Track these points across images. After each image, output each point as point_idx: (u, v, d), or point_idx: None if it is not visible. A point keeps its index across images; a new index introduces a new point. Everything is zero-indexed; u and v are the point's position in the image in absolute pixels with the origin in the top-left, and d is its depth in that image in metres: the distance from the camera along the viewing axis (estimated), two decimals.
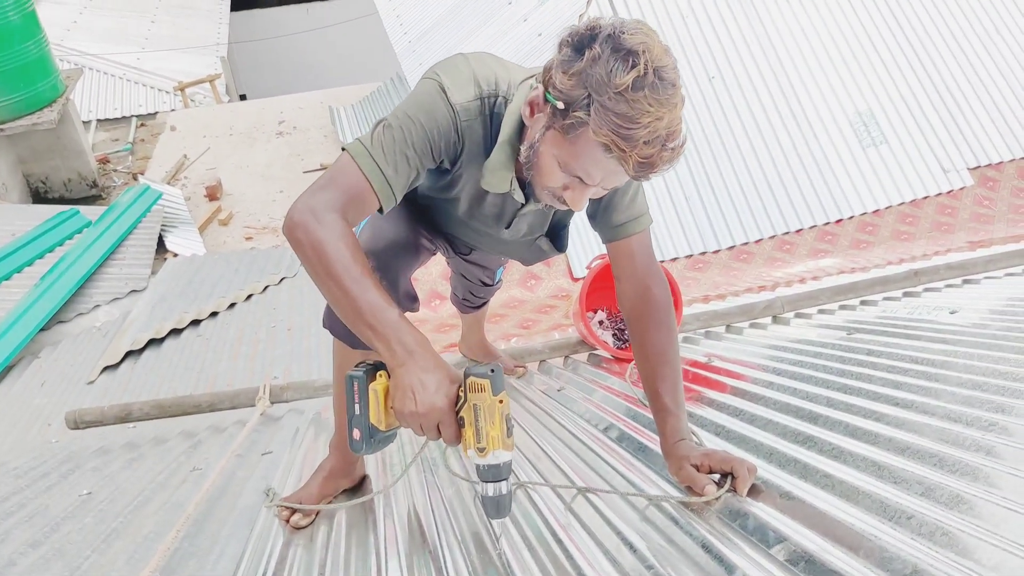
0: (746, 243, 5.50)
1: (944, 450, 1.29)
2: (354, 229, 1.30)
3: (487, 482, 1.21)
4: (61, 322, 5.42)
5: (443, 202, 1.63)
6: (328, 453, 1.76)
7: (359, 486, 1.79)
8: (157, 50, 13.05)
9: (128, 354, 4.56)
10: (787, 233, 5.53)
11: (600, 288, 2.75)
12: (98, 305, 5.62)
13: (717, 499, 1.31)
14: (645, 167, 1.19)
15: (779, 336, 2.54)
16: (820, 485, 1.28)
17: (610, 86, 1.14)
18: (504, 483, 1.21)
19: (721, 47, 6.34)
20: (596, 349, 2.73)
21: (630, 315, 1.57)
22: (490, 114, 1.38)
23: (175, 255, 6.73)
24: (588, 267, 2.74)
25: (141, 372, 4.36)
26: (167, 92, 11.72)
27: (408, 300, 1.64)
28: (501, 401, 1.17)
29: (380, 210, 1.35)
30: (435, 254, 1.87)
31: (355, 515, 1.65)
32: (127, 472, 2.30)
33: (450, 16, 9.44)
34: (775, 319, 2.81)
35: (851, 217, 5.67)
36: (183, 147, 10.20)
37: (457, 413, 1.19)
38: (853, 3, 6.58)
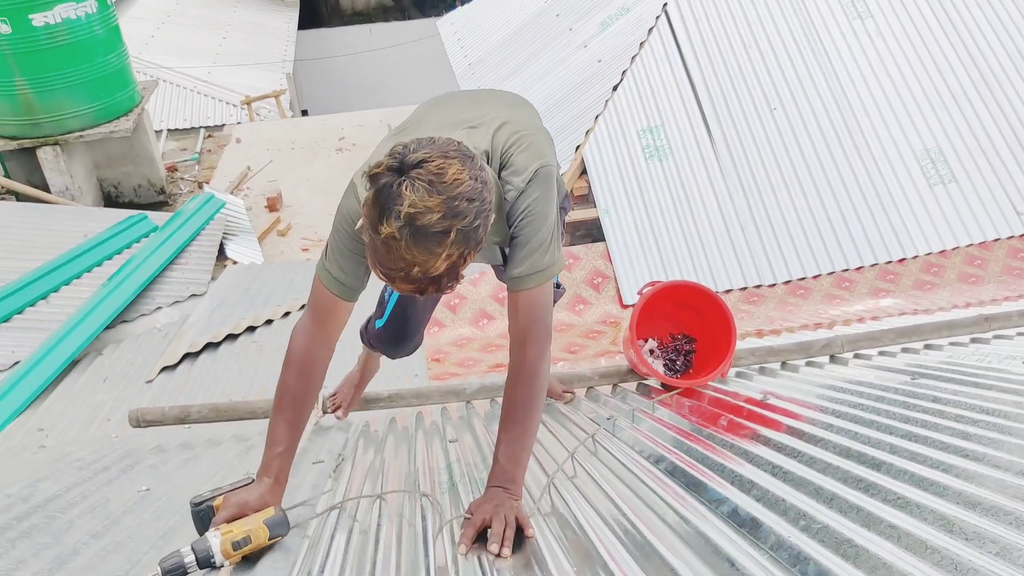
0: (803, 278, 5.41)
1: (1021, 508, 1.24)
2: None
3: (196, 534, 1.51)
4: (125, 321, 5.58)
5: None
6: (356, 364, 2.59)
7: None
8: (227, 65, 13.45)
9: (186, 356, 4.68)
10: (847, 270, 5.42)
11: (650, 317, 2.71)
12: (160, 307, 5.78)
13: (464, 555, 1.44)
14: (409, 291, 1.35)
15: (837, 376, 2.48)
16: (885, 535, 1.24)
17: (374, 232, 1.28)
18: (189, 554, 1.42)
19: (784, 78, 6.28)
20: (646, 379, 2.70)
21: (510, 358, 1.66)
22: None
23: (234, 263, 6.88)
24: (639, 293, 2.71)
25: (197, 374, 4.46)
26: (234, 106, 12.06)
27: (417, 344, 2.40)
28: (261, 539, 1.47)
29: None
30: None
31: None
32: (183, 472, 2.35)
33: (510, 41, 9.56)
34: (833, 359, 2.75)
35: (915, 257, 5.53)
36: (247, 159, 10.46)
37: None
38: (924, 37, 6.47)
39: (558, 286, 2.41)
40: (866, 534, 1.26)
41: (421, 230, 1.25)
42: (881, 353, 2.76)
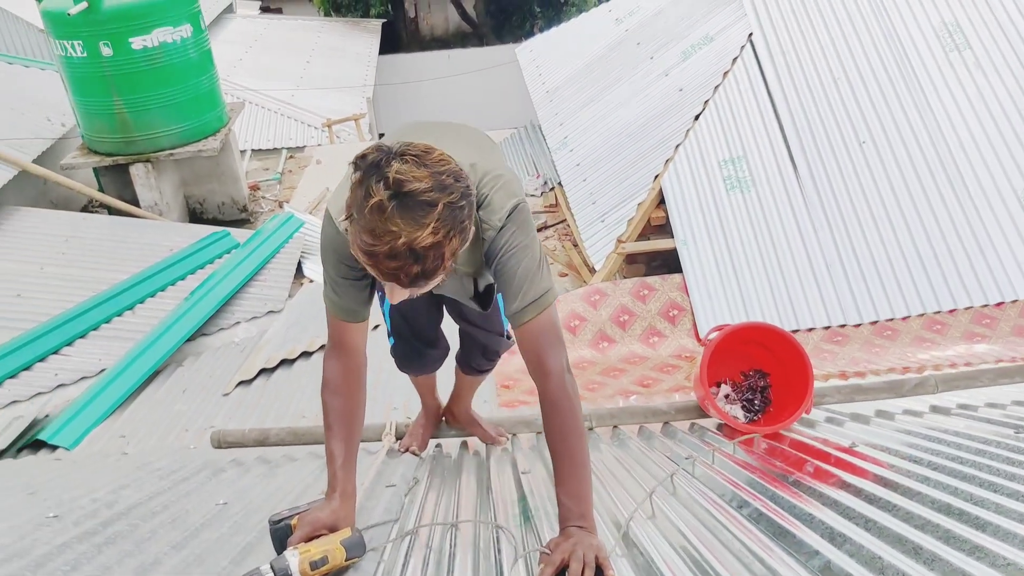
0: (891, 319, 5.18)
1: None
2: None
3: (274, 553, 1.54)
4: (204, 335, 5.75)
5: None
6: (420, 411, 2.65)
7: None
8: (310, 88, 13.87)
9: (261, 371, 4.79)
10: (938, 312, 5.17)
11: (720, 359, 2.64)
12: (238, 322, 5.94)
13: None
14: (392, 278, 1.32)
15: (934, 426, 2.36)
16: None
17: (361, 207, 1.28)
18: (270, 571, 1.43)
19: (874, 110, 6.11)
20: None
21: (538, 393, 1.65)
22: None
23: (311, 281, 7.03)
24: (705, 340, 2.64)
25: (272, 389, 4.56)
26: (315, 128, 12.40)
27: (441, 358, 2.37)
28: (340, 559, 1.50)
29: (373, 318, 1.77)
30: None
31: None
32: (260, 487, 2.38)
33: (589, 69, 9.58)
34: (934, 408, 2.61)
35: (1014, 301, 5.23)
36: (326, 180, 10.70)
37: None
38: None
39: (508, 337, 2.34)
40: None
41: (409, 197, 1.25)
42: (989, 404, 2.61)
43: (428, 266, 1.30)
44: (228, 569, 1.61)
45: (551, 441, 1.61)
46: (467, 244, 1.40)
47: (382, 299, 2.17)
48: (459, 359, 2.46)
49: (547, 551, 1.50)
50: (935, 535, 1.45)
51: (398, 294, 1.42)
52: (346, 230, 1.48)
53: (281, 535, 1.58)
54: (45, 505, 2.33)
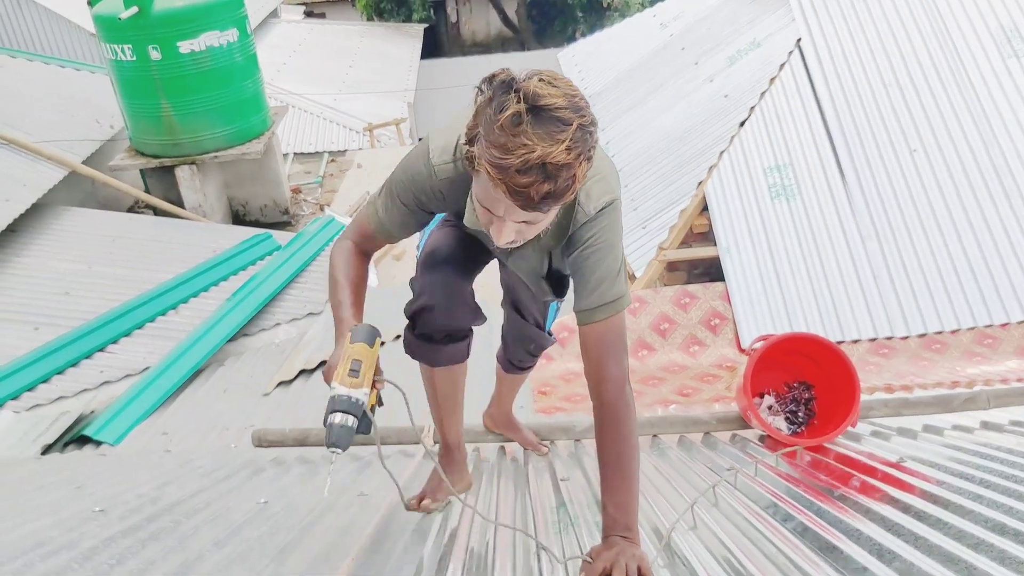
0: (940, 332, 5.04)
1: None
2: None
3: (328, 412, 1.41)
4: (246, 335, 5.83)
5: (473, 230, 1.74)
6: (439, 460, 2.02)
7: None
8: (352, 93, 14.02)
9: (301, 372, 4.84)
10: (990, 326, 5.00)
11: (763, 369, 2.60)
12: (279, 323, 6.01)
13: None
14: (522, 196, 1.26)
15: (985, 442, 2.29)
16: None
17: (492, 121, 1.25)
18: (337, 415, 1.40)
19: (926, 118, 5.98)
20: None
21: (592, 400, 1.61)
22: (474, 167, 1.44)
23: None
24: (748, 350, 2.59)
25: (311, 390, 4.60)
26: (357, 132, 12.52)
27: (471, 313, 1.82)
28: (352, 347, 1.45)
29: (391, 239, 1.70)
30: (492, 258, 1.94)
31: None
32: (300, 487, 2.40)
33: (632, 74, 9.54)
34: (985, 424, 2.54)
35: None
36: (367, 184, 10.79)
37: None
38: None
39: (550, 334, 2.28)
40: None
41: (545, 111, 1.23)
42: None
43: (559, 186, 1.26)
44: (270, 568, 1.62)
45: (604, 450, 1.57)
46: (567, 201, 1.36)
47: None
48: (499, 356, 2.39)
49: (589, 559, 1.49)
50: (989, 555, 1.40)
51: (507, 232, 1.39)
52: (449, 164, 1.53)
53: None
54: (91, 500, 2.38)
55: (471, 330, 1.85)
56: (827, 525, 1.66)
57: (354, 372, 1.41)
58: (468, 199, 1.55)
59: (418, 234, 1.85)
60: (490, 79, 1.30)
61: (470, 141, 1.33)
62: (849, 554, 1.47)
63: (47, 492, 2.77)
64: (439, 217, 1.85)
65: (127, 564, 1.69)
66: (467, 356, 1.87)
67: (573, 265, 1.59)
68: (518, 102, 1.22)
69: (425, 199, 1.60)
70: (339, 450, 1.41)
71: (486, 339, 3.22)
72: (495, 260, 1.93)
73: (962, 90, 6.11)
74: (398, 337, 4.92)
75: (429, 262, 1.77)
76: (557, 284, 1.85)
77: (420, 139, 1.64)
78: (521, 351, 2.28)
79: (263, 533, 1.88)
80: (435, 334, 1.79)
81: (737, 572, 1.48)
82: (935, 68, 6.33)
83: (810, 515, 1.74)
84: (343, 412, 1.40)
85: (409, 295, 1.80)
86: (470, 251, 1.82)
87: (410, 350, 1.86)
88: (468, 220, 1.60)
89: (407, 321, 1.82)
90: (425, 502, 1.91)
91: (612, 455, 1.56)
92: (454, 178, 1.55)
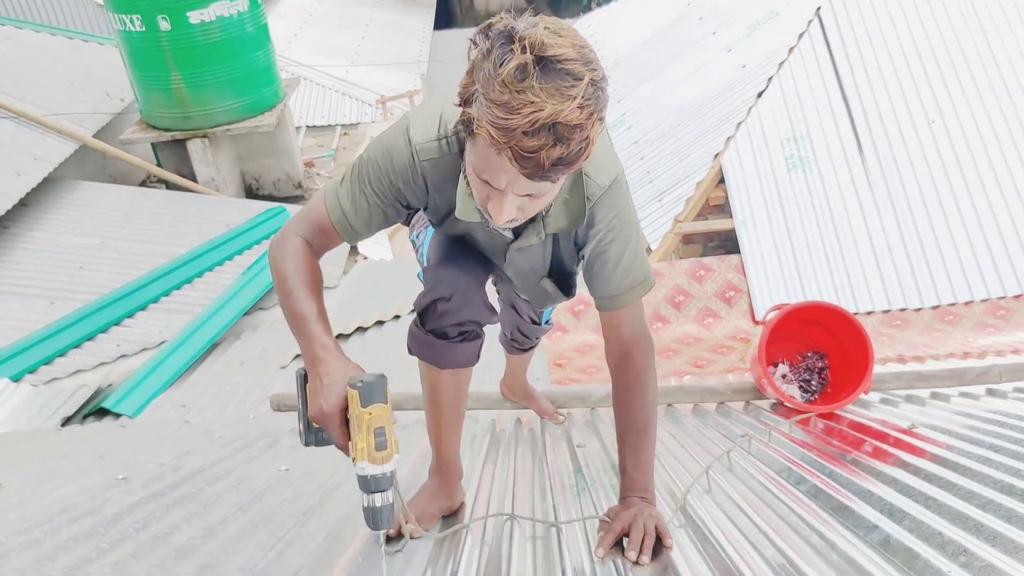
0: (953, 303, 5.03)
1: None
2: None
3: (361, 491, 1.24)
4: (261, 309, 5.89)
5: (458, 233, 1.58)
6: (429, 476, 1.76)
7: (456, 513, 1.76)
8: (364, 65, 13.96)
9: None
10: (1003, 298, 4.99)
11: (778, 339, 2.61)
12: None
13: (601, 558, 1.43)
14: (530, 163, 1.10)
15: (993, 409, 2.30)
16: None
17: (493, 77, 1.08)
18: (376, 496, 1.23)
19: (947, 90, 5.90)
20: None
21: (612, 371, 1.59)
22: (460, 149, 1.33)
23: (365, 258, 7.12)
24: (763, 321, 2.60)
25: None
26: (369, 105, 12.48)
27: (487, 309, 1.57)
28: (370, 413, 1.19)
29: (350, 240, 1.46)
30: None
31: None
32: (318, 453, 2.43)
33: (649, 44, 9.44)
34: (990, 391, 2.56)
35: None
36: None
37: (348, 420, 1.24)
38: None
39: (548, 322, 2.27)
40: None
41: (552, 63, 1.06)
42: None
43: (571, 150, 1.10)
44: (293, 531, 1.66)
45: (628, 412, 1.57)
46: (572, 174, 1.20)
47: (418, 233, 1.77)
48: (501, 339, 2.38)
49: (607, 519, 1.52)
50: (997, 514, 1.43)
51: (508, 208, 1.23)
52: (432, 143, 1.34)
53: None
54: (113, 468, 2.42)
55: (483, 332, 1.61)
56: (839, 487, 1.68)
57: (380, 444, 1.21)
58: (459, 183, 1.38)
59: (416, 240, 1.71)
60: (486, 29, 1.13)
61: (465, 101, 1.17)
62: (860, 513, 1.50)
63: (70, 461, 2.82)
64: (429, 232, 1.66)
65: (152, 528, 1.73)
66: (476, 360, 1.62)
67: (594, 250, 1.46)
68: (523, 52, 1.06)
69: (403, 186, 1.39)
70: (387, 529, 1.27)
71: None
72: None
73: (983, 60, 6.02)
74: (397, 317, 4.99)
75: (442, 259, 1.56)
76: (562, 283, 1.64)
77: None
78: (520, 337, 2.30)
79: (286, 498, 1.92)
80: (449, 330, 1.53)
81: (752, 533, 1.50)
82: (956, 38, 6.23)
83: (823, 478, 1.76)
84: (380, 492, 1.24)
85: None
86: (478, 256, 1.61)
87: (418, 349, 1.59)
88: (460, 210, 1.40)
89: (417, 316, 1.57)
90: (410, 526, 1.56)
91: (638, 419, 1.56)
92: (438, 160, 1.36)
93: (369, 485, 1.23)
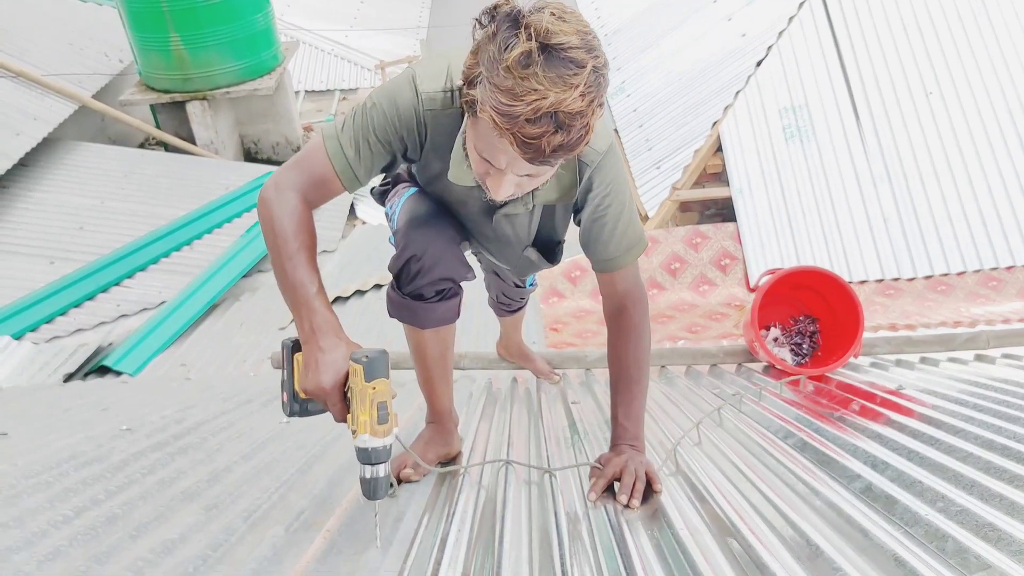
0: (946, 274, 5.10)
1: None
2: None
3: (361, 463, 1.26)
4: (260, 271, 5.93)
5: (442, 196, 1.58)
6: (425, 424, 1.82)
7: (454, 460, 1.79)
8: (364, 29, 13.83)
9: None
10: (995, 268, 5.06)
11: (771, 303, 2.66)
12: None
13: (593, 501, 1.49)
14: (531, 148, 1.13)
15: (980, 374, 2.36)
16: None
17: (497, 61, 1.11)
18: (377, 467, 1.25)
19: (944, 61, 5.91)
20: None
21: (608, 324, 1.64)
22: (462, 109, 1.32)
23: (364, 223, 7.14)
24: (755, 287, 2.65)
25: None
26: (368, 69, 12.38)
27: (462, 266, 1.57)
28: (374, 388, 1.21)
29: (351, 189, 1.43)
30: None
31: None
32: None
33: (649, 12, 9.38)
34: (979, 357, 2.61)
35: None
36: None
37: (346, 395, 1.25)
38: None
39: (530, 284, 2.31)
40: (1010, 521, 1.22)
41: (556, 50, 1.09)
42: None
43: (572, 137, 1.13)
44: (296, 476, 1.71)
45: (622, 368, 1.62)
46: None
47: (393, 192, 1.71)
48: (490, 302, 2.43)
49: (599, 465, 1.57)
50: (976, 466, 1.48)
51: (506, 186, 1.26)
52: (438, 93, 1.34)
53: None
54: (118, 420, 2.47)
55: (461, 288, 1.61)
56: (826, 441, 1.74)
57: (382, 418, 1.23)
58: (455, 147, 1.39)
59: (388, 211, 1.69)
60: (492, 11, 1.15)
61: (469, 83, 1.19)
62: (845, 465, 1.55)
63: (75, 413, 2.87)
64: (410, 192, 1.63)
65: (158, 474, 1.78)
66: (457, 316, 1.63)
67: (592, 214, 1.49)
68: (528, 39, 1.08)
69: (406, 135, 1.38)
70: (382, 498, 1.30)
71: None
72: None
73: (982, 32, 6.01)
74: (378, 286, 5.02)
75: (413, 221, 1.53)
76: (547, 252, 1.69)
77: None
78: (506, 300, 2.35)
79: (288, 448, 1.98)
80: (425, 291, 1.52)
81: (739, 481, 1.56)
82: (956, 9, 6.22)
83: (810, 433, 1.82)
84: (380, 464, 1.26)
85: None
86: (452, 220, 1.60)
87: (397, 312, 1.59)
88: (453, 174, 1.42)
89: (392, 279, 1.57)
90: (407, 471, 1.61)
91: (631, 370, 1.62)
92: (440, 112, 1.36)
93: (370, 457, 1.25)
